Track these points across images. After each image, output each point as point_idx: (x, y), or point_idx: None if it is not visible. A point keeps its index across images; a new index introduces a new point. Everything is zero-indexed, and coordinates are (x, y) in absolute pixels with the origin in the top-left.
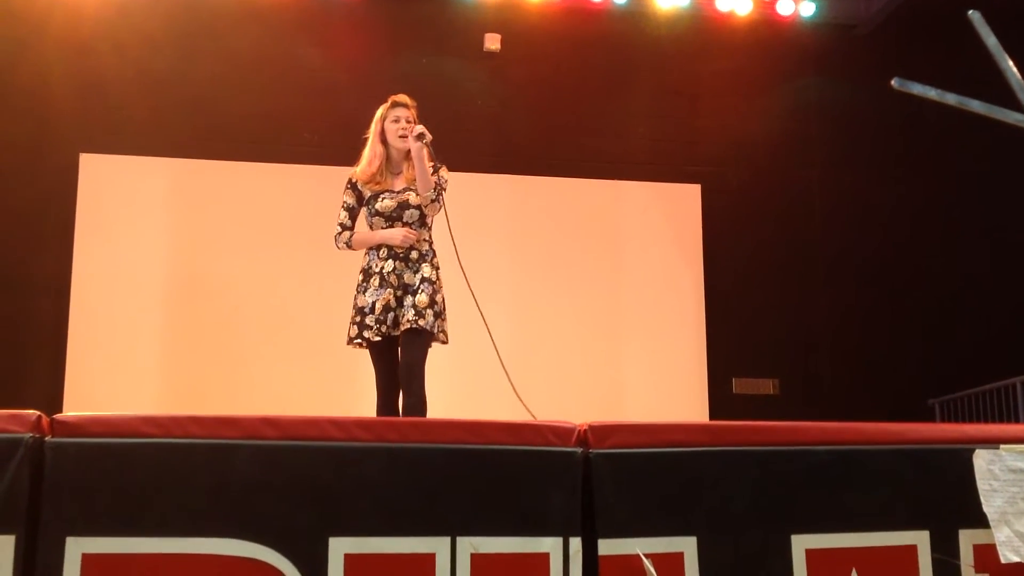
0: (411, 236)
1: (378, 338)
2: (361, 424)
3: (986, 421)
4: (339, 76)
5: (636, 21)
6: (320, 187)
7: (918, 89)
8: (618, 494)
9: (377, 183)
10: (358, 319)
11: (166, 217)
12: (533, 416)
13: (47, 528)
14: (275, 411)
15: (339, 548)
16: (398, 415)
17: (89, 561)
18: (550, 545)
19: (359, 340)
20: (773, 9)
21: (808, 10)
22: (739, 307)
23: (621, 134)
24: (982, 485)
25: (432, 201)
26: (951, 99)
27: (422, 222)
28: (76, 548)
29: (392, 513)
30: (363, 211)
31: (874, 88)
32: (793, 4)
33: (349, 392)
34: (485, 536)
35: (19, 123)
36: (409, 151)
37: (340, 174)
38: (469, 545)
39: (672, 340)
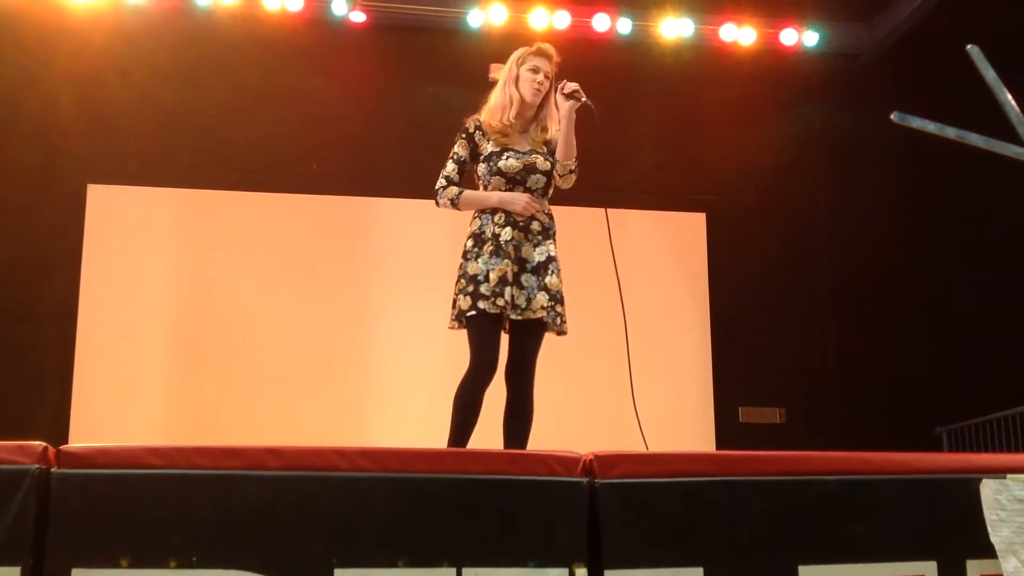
0: (533, 205)
1: (495, 311)
2: (366, 454)
3: (993, 450)
4: (346, 107)
5: (640, 51)
6: (326, 217)
7: (918, 123)
8: (624, 524)
9: (504, 135)
10: (471, 288)
11: (173, 247)
12: (646, 445)
13: (53, 559)
14: (282, 440)
15: None
16: (480, 403)
17: None
18: None
19: (473, 311)
20: (777, 39)
21: (812, 40)
22: (745, 336)
23: (625, 163)
24: (989, 515)
25: (570, 172)
26: (950, 132)
27: (545, 191)
28: None
29: (397, 543)
30: (478, 168)
31: (877, 117)
32: (797, 34)
33: (356, 421)
34: (491, 567)
35: (28, 153)
36: (539, 109)
37: (346, 204)
38: None
39: (678, 369)
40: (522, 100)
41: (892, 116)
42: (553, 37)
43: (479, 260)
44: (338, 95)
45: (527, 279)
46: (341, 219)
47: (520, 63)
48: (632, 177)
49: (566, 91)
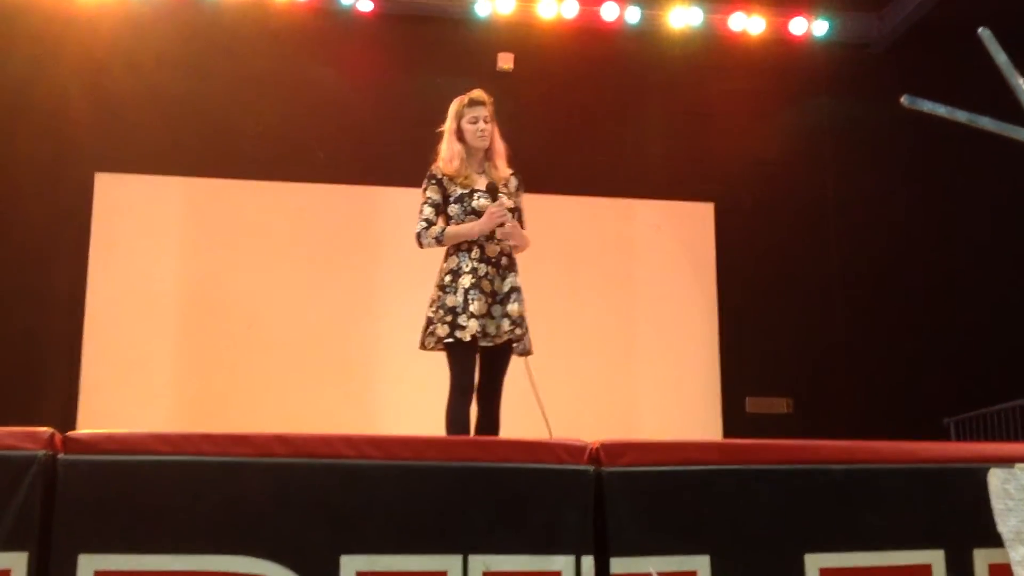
0: (501, 211)
1: (469, 339)
2: (372, 442)
3: (1001, 440)
4: (353, 96)
5: (648, 40)
6: (333, 206)
7: (928, 106)
8: (631, 512)
9: (464, 179)
10: (449, 319)
11: (179, 235)
12: (550, 432)
13: (59, 545)
14: (288, 428)
15: (350, 566)
16: (469, 418)
17: None
18: (562, 564)
19: (451, 339)
20: (786, 28)
21: (821, 29)
22: (752, 326)
23: (634, 153)
24: (997, 504)
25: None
26: (961, 116)
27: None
28: (88, 565)
29: (404, 531)
30: (450, 208)
31: (887, 107)
32: (806, 23)
33: (363, 409)
34: (497, 554)
35: (36, 142)
36: (487, 150)
37: (353, 193)
38: (481, 563)
39: (685, 358)
40: (465, 150)
41: (903, 100)
42: (561, 26)
43: (456, 294)
44: (345, 84)
45: (496, 310)
46: (348, 208)
47: (459, 117)
48: (640, 167)
49: (504, 224)
